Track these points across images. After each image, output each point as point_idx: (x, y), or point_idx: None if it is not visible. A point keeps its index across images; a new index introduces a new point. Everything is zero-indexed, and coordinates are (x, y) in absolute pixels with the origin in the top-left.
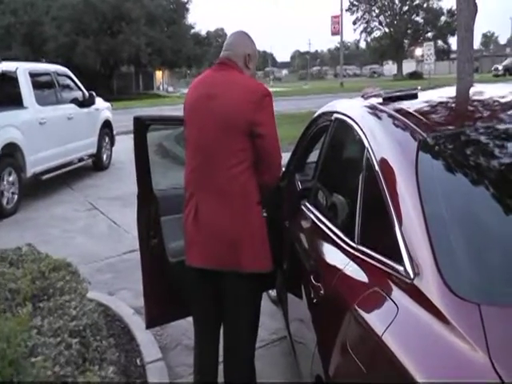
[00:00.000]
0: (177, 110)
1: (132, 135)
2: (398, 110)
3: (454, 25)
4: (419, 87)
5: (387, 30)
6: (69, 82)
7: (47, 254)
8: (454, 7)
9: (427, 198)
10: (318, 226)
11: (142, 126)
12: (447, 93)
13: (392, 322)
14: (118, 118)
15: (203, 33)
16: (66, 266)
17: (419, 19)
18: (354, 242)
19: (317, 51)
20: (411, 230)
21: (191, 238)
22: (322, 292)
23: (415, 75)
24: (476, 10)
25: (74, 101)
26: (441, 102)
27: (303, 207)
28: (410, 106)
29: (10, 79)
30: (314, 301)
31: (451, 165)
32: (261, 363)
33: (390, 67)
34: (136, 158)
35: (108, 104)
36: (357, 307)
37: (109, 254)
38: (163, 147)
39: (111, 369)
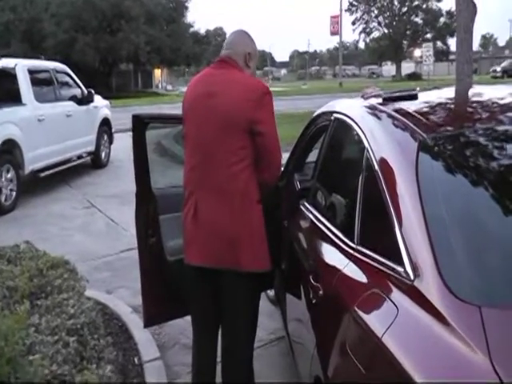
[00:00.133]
0: (175, 109)
1: (131, 133)
2: (398, 111)
3: (453, 26)
4: (418, 88)
5: (386, 31)
6: (68, 79)
7: (45, 252)
8: (454, 8)
9: (427, 198)
10: (317, 226)
11: (140, 124)
12: (447, 94)
13: (392, 323)
14: (116, 115)
15: (202, 31)
16: (63, 264)
17: (418, 20)
18: (353, 242)
19: (316, 51)
20: (411, 230)
21: (190, 236)
22: (321, 292)
23: (414, 76)
24: (475, 12)
25: (73, 98)
26: (440, 103)
27: (302, 207)
28: (409, 106)
29: (8, 76)
30: (313, 301)
31: (451, 166)
32: (259, 363)
33: (388, 68)
34: (134, 156)
35: (107, 102)
36: (357, 308)
37: (107, 252)
38: (162, 145)
39: (109, 368)
